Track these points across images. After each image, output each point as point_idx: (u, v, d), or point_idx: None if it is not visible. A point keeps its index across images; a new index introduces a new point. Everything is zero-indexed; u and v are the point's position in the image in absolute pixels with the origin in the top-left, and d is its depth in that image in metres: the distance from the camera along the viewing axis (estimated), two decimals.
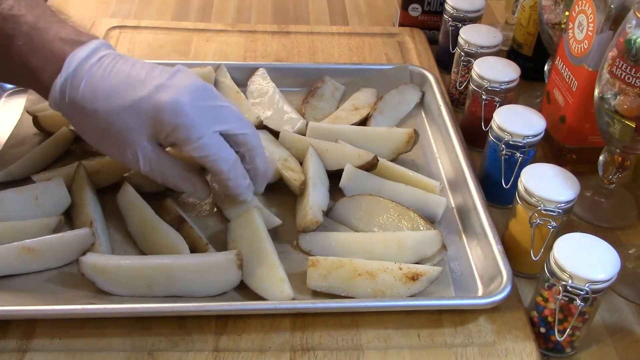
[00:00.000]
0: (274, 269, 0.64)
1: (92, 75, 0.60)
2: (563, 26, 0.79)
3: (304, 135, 0.80)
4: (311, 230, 0.69)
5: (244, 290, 0.63)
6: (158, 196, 0.72)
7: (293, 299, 0.62)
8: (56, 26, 0.62)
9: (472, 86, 0.82)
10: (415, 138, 0.78)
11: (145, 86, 0.60)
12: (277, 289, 0.63)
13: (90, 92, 0.60)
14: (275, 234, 0.70)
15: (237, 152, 0.65)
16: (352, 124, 0.84)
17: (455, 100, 0.94)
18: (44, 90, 0.61)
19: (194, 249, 0.66)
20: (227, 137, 0.63)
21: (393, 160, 0.79)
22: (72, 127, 0.67)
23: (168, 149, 0.64)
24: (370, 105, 0.87)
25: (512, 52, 0.99)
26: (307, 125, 0.82)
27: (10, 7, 0.61)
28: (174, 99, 0.60)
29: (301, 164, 0.76)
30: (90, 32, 0.63)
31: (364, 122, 0.85)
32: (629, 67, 0.62)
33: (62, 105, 0.61)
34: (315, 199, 0.70)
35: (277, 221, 0.69)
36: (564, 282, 0.56)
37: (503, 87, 0.79)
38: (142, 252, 0.67)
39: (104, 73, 0.60)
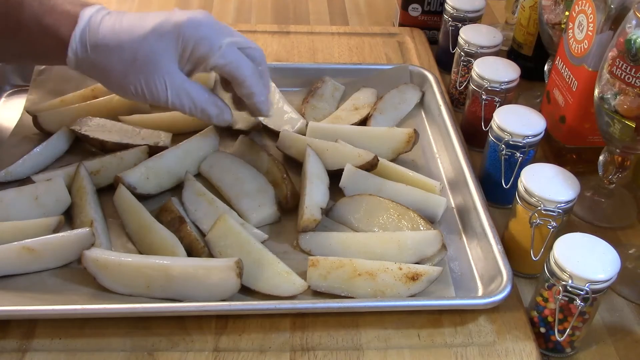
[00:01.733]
0: (276, 265, 0.64)
1: (108, 20, 0.63)
2: (563, 26, 0.79)
3: (304, 135, 0.81)
4: (311, 229, 0.69)
5: (244, 290, 0.63)
6: (152, 198, 0.73)
7: (309, 286, 0.63)
8: None
9: (472, 86, 0.82)
10: (415, 138, 0.78)
11: (161, 15, 0.64)
12: (287, 282, 0.63)
13: (110, 31, 0.62)
14: (275, 234, 0.70)
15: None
16: (352, 124, 0.84)
17: (455, 100, 0.94)
18: (61, 45, 0.63)
19: (190, 250, 0.66)
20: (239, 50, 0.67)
21: (393, 160, 0.79)
22: (94, 82, 0.69)
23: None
24: (370, 105, 0.87)
25: (512, 52, 0.99)
26: (307, 125, 0.82)
27: None
28: (191, 16, 0.64)
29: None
30: None
31: (364, 122, 0.85)
32: (629, 67, 0.62)
33: (84, 54, 0.63)
34: (313, 198, 0.71)
35: (263, 236, 0.69)
36: (564, 282, 0.56)
37: (503, 87, 0.79)
38: (140, 253, 0.67)
39: (117, 18, 0.63)
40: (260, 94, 0.69)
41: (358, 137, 0.79)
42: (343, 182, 0.73)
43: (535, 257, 0.65)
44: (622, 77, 0.63)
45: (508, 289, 0.62)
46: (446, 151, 0.82)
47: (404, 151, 0.79)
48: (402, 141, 0.79)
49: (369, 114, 0.85)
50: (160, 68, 0.63)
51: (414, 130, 0.79)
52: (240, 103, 0.72)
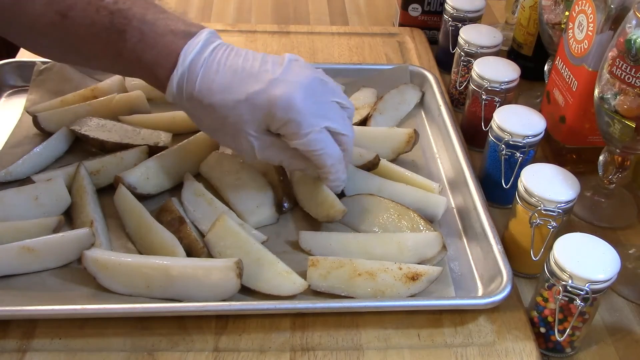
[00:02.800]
0: (276, 265, 0.64)
1: (207, 69, 0.62)
2: (563, 26, 0.79)
3: None
4: (338, 220, 0.69)
5: (244, 290, 0.63)
6: (152, 198, 0.73)
7: (309, 286, 0.63)
8: (163, 18, 0.62)
9: (472, 86, 0.82)
10: (415, 138, 0.78)
11: (259, 80, 0.62)
12: (288, 282, 0.63)
13: (206, 87, 0.62)
14: (275, 234, 0.70)
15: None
16: (352, 124, 0.84)
17: (455, 100, 0.94)
18: (158, 84, 0.64)
19: (189, 251, 0.66)
20: (331, 134, 0.65)
21: (393, 160, 0.79)
22: (189, 118, 0.68)
23: None
24: (370, 105, 0.87)
25: (512, 52, 0.99)
26: None
27: (114, 1, 0.61)
28: (287, 94, 0.61)
29: None
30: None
31: (364, 122, 0.85)
32: (629, 67, 0.62)
33: (180, 99, 0.63)
34: (332, 193, 0.71)
35: (262, 237, 0.69)
36: (564, 282, 0.56)
37: (503, 87, 0.79)
38: (140, 253, 0.67)
39: (217, 67, 0.62)
40: (336, 180, 0.68)
41: (358, 136, 0.78)
42: None
43: (535, 257, 0.65)
44: (622, 77, 0.63)
45: (508, 289, 0.62)
46: (446, 151, 0.82)
47: (404, 151, 0.79)
48: (402, 141, 0.79)
49: (368, 114, 0.85)
50: (246, 134, 0.64)
51: (414, 130, 0.79)
52: None
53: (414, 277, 0.63)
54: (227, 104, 0.62)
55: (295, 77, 0.62)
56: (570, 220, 0.71)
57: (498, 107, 0.77)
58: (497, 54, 0.86)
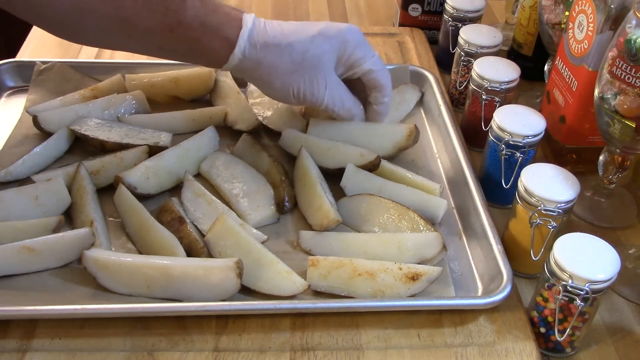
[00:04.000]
0: (276, 265, 0.64)
1: (271, 25, 0.69)
2: (563, 26, 0.79)
3: (305, 134, 0.81)
4: (331, 229, 0.69)
5: (244, 290, 0.63)
6: (152, 198, 0.73)
7: (309, 286, 0.63)
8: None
9: (472, 86, 0.82)
10: (415, 133, 0.78)
11: (320, 23, 0.70)
12: (288, 282, 0.63)
13: (279, 32, 0.68)
14: (275, 234, 0.70)
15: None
16: None
17: (455, 100, 0.94)
18: (224, 46, 0.66)
19: (190, 250, 0.66)
20: None
21: (394, 156, 0.79)
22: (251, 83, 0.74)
23: None
24: None
25: (512, 52, 0.99)
26: (307, 124, 0.82)
27: None
28: (348, 25, 0.71)
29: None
30: None
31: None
32: (629, 67, 0.62)
33: (252, 51, 0.67)
34: (331, 198, 0.71)
35: (262, 237, 0.69)
36: (564, 282, 0.56)
37: (503, 87, 0.79)
38: (140, 253, 0.67)
39: (279, 24, 0.69)
40: (389, 104, 0.77)
41: (359, 133, 0.79)
42: (344, 182, 0.74)
43: (535, 257, 0.65)
44: (622, 77, 0.63)
45: (508, 289, 0.62)
46: (446, 151, 0.82)
47: (405, 146, 0.79)
48: (404, 136, 0.78)
49: None
50: (323, 69, 0.69)
51: (415, 125, 0.79)
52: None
53: (414, 277, 0.63)
54: (304, 39, 0.68)
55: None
56: (570, 220, 0.71)
57: (498, 107, 0.77)
58: (497, 54, 0.86)
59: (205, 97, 0.88)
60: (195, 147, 0.77)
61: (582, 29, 0.73)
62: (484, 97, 0.80)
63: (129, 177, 0.71)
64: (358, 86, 0.76)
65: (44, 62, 0.88)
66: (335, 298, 0.63)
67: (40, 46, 1.01)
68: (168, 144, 0.78)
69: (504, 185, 0.74)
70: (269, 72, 0.69)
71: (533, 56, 0.96)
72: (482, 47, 0.85)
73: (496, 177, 0.75)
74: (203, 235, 0.68)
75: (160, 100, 0.87)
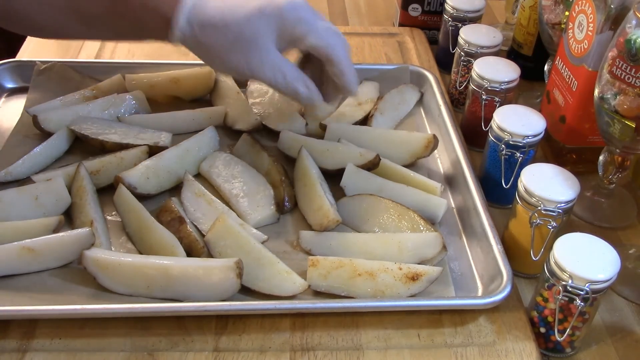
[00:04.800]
0: (276, 265, 0.64)
1: (214, 2, 0.66)
2: (563, 26, 0.79)
3: (304, 135, 0.81)
4: (331, 229, 0.69)
5: (244, 290, 0.63)
6: (152, 198, 0.73)
7: (309, 286, 0.63)
8: None
9: (472, 86, 0.82)
10: (434, 143, 0.78)
11: (257, 1, 0.67)
12: (288, 282, 0.63)
13: (218, 12, 0.66)
14: (275, 234, 0.70)
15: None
16: (356, 122, 0.84)
17: (455, 100, 0.94)
18: (165, 26, 0.65)
19: (190, 251, 0.66)
20: None
21: (411, 164, 0.79)
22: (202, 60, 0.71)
23: None
24: (373, 101, 0.87)
25: (512, 52, 0.99)
26: (306, 125, 0.82)
27: None
28: (289, 1, 0.68)
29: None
30: None
31: (364, 121, 0.85)
32: (629, 67, 0.62)
33: (190, 30, 0.66)
34: (330, 198, 0.71)
35: (262, 237, 0.69)
36: (564, 282, 0.56)
37: (503, 87, 0.79)
38: (140, 253, 0.67)
39: (221, 1, 0.66)
40: (352, 74, 0.73)
41: (377, 140, 0.79)
42: (344, 182, 0.74)
43: (535, 257, 0.65)
44: (622, 77, 0.63)
45: (508, 289, 0.62)
46: (446, 151, 0.82)
47: (422, 156, 0.79)
48: (421, 146, 0.78)
49: (370, 113, 0.85)
50: (260, 47, 0.67)
51: (434, 135, 0.78)
52: (322, 84, 0.75)
53: (414, 277, 0.63)
54: (240, 19, 0.66)
55: None
56: (570, 220, 0.71)
57: (498, 107, 0.77)
58: (497, 54, 0.86)
59: (205, 97, 0.88)
60: (195, 147, 0.77)
61: (582, 29, 0.73)
62: (484, 97, 0.80)
63: (129, 177, 0.71)
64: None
65: (44, 62, 0.88)
66: (335, 298, 0.63)
67: (40, 46, 1.01)
68: (168, 144, 0.78)
69: (504, 185, 0.74)
70: (208, 51, 0.68)
71: (533, 56, 0.96)
72: (482, 47, 0.85)
73: (496, 177, 0.75)
74: (203, 235, 0.68)
75: (160, 100, 0.87)
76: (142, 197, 0.71)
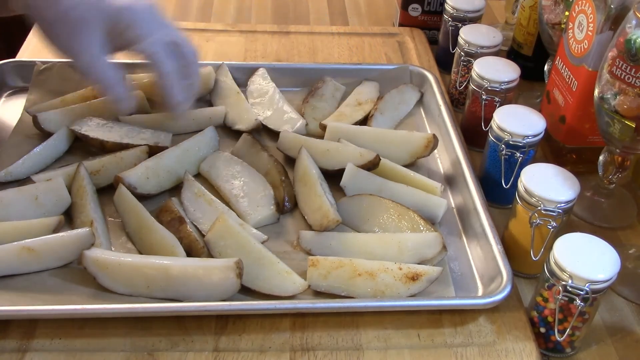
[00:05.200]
0: (276, 265, 0.64)
1: None
2: (563, 26, 0.79)
3: (304, 135, 0.81)
4: (331, 229, 0.69)
5: (244, 290, 0.63)
6: (152, 198, 0.73)
7: (309, 286, 0.63)
8: None
9: (472, 86, 0.82)
10: (434, 143, 0.78)
11: None
12: (288, 282, 0.63)
13: None
14: (275, 234, 0.70)
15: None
16: (356, 122, 0.84)
17: (455, 100, 0.94)
18: None
19: (190, 251, 0.66)
20: (173, 47, 0.70)
21: (411, 164, 0.79)
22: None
23: None
24: (373, 101, 0.87)
25: (512, 52, 0.99)
26: (306, 125, 0.82)
27: None
28: (131, 2, 0.68)
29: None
30: None
31: (364, 121, 0.85)
32: (629, 67, 0.62)
33: None
34: (331, 199, 0.71)
35: (262, 237, 0.69)
36: (564, 282, 0.56)
37: (503, 87, 0.79)
38: (140, 253, 0.67)
39: None
40: (177, 94, 0.72)
41: (377, 139, 0.79)
42: (344, 182, 0.74)
43: (535, 257, 0.65)
44: (622, 77, 0.63)
45: (508, 289, 0.62)
46: (446, 151, 0.82)
47: (422, 156, 0.79)
48: (421, 146, 0.78)
49: (370, 113, 0.85)
50: (82, 33, 0.66)
51: (434, 135, 0.78)
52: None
53: (414, 277, 0.63)
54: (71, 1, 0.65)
55: (141, 1, 0.69)
56: (570, 220, 0.71)
57: (498, 107, 0.77)
58: (497, 54, 0.86)
59: (205, 97, 0.88)
60: (195, 147, 0.77)
61: (582, 29, 0.73)
62: (484, 97, 0.80)
63: (129, 177, 0.71)
64: None
65: (44, 62, 0.88)
66: (335, 298, 0.63)
67: (40, 46, 1.01)
68: (168, 144, 0.78)
69: (504, 185, 0.74)
70: (34, 15, 0.67)
71: (533, 56, 0.96)
72: (482, 47, 0.85)
73: (496, 177, 0.75)
74: (203, 235, 0.68)
75: (160, 100, 0.87)
76: (142, 197, 0.71)
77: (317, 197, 0.71)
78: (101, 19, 0.66)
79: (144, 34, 0.68)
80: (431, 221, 0.71)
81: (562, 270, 0.57)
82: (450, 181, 0.78)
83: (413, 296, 0.63)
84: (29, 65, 0.88)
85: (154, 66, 0.70)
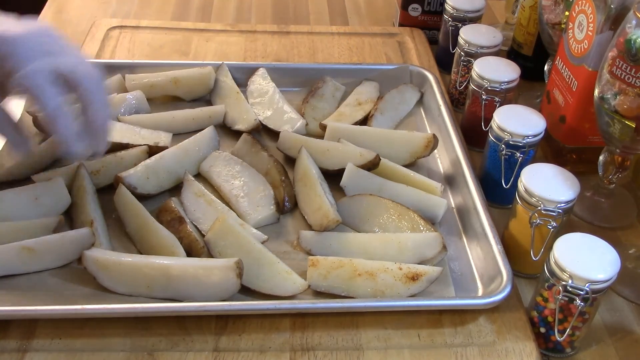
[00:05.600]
0: (276, 265, 0.64)
1: None
2: (563, 26, 0.79)
3: (304, 135, 0.81)
4: (331, 229, 0.69)
5: (244, 290, 0.63)
6: (152, 198, 0.73)
7: (309, 286, 0.63)
8: None
9: (472, 86, 0.82)
10: (434, 143, 0.78)
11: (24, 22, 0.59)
12: (288, 282, 0.63)
13: None
14: (275, 234, 0.70)
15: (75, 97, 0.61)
16: (356, 122, 0.84)
17: (455, 100, 0.94)
18: None
19: (190, 250, 0.66)
20: (63, 78, 0.60)
21: (411, 164, 0.79)
22: None
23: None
24: (373, 101, 0.87)
25: (512, 52, 0.99)
26: (306, 125, 0.82)
27: None
28: (4, 29, 0.59)
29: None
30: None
31: (364, 121, 0.85)
32: (629, 67, 0.62)
33: None
34: (331, 199, 0.71)
35: (262, 237, 0.69)
36: (564, 282, 0.56)
37: (503, 87, 0.79)
38: (140, 253, 0.67)
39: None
40: (66, 136, 0.60)
41: (377, 139, 0.79)
42: (344, 181, 0.74)
43: (535, 257, 0.65)
44: (622, 77, 0.63)
45: (508, 289, 0.62)
46: (446, 151, 0.82)
47: (422, 155, 0.79)
48: (421, 145, 0.78)
49: (370, 113, 0.85)
50: None
51: (434, 135, 0.78)
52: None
53: (414, 277, 0.63)
54: None
55: (19, 23, 0.60)
56: (570, 220, 0.70)
57: (498, 107, 0.77)
58: (497, 54, 0.86)
59: (205, 97, 0.88)
60: (195, 147, 0.77)
61: (582, 29, 0.73)
62: (484, 97, 0.80)
63: (129, 177, 0.71)
64: None
65: None
66: (335, 298, 0.63)
67: None
68: (168, 144, 0.78)
69: (504, 185, 0.74)
70: None
71: (533, 56, 0.96)
72: (482, 47, 0.85)
73: (496, 177, 0.75)
74: (203, 235, 0.68)
75: (160, 100, 0.87)
76: (142, 197, 0.71)
77: (317, 197, 0.71)
78: None
79: (18, 66, 0.57)
80: (431, 221, 0.71)
81: (562, 270, 0.57)
82: (450, 181, 0.78)
83: (413, 296, 0.63)
84: None
85: (35, 101, 0.58)
